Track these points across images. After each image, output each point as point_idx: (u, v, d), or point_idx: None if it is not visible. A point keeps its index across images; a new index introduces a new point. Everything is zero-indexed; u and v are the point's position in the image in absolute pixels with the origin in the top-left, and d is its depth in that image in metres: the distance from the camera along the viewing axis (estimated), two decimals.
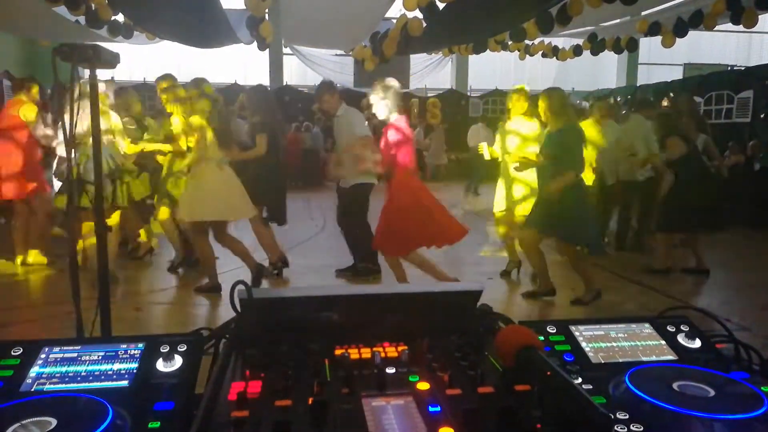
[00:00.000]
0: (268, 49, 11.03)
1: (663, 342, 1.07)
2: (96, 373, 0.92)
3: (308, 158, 13.69)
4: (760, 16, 8.97)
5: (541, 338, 1.02)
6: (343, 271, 5.35)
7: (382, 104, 4.50)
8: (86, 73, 2.03)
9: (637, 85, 15.57)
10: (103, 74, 2.06)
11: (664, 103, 7.40)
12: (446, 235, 4.42)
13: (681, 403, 0.80)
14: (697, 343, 1.07)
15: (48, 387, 0.89)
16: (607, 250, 6.03)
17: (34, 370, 0.92)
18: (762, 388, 0.87)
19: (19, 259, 5.57)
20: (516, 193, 5.08)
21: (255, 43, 10.22)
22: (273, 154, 5.03)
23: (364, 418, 0.77)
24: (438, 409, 0.79)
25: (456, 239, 4.45)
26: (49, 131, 5.27)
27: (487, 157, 5.43)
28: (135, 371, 0.93)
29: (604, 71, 16.89)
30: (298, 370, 0.90)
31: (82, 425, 0.77)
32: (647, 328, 1.11)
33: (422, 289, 1.11)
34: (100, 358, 0.96)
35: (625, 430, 0.78)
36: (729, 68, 14.70)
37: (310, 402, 0.79)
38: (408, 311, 1.06)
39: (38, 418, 0.76)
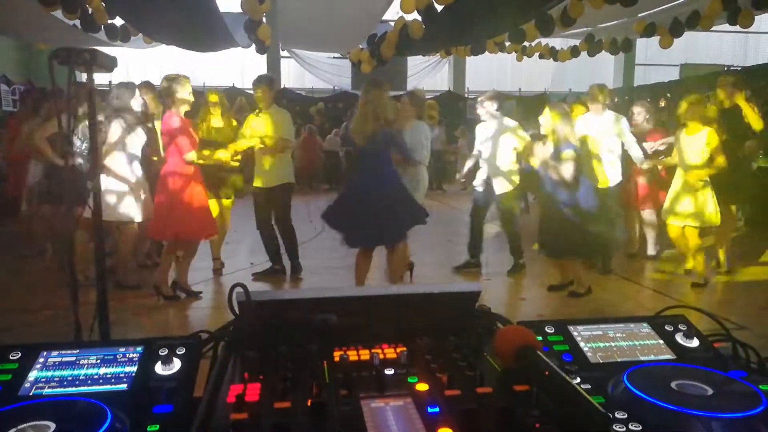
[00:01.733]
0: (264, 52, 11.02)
1: (661, 341, 1.08)
2: (94, 376, 0.92)
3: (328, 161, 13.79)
4: (756, 16, 9.00)
5: (540, 338, 1.02)
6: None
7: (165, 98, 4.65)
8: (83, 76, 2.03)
9: (634, 85, 15.62)
10: (100, 78, 2.06)
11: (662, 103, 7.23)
12: (190, 231, 4.59)
13: (679, 402, 0.81)
14: (695, 342, 1.07)
15: (46, 391, 0.89)
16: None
17: (32, 374, 0.92)
18: (760, 386, 0.87)
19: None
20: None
21: (252, 47, 10.21)
22: None
23: (363, 419, 0.77)
24: (437, 410, 0.80)
25: (201, 236, 4.74)
26: None
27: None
28: (133, 374, 0.93)
29: (601, 72, 16.90)
30: (297, 372, 0.90)
31: (80, 429, 0.77)
32: (645, 328, 1.11)
33: (420, 290, 1.11)
34: (98, 361, 0.96)
35: (624, 429, 0.78)
36: (725, 68, 14.73)
37: (309, 404, 0.79)
38: (406, 312, 1.07)
39: (37, 422, 0.76)
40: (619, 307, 4.66)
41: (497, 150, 5.38)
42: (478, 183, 5.59)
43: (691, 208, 4.95)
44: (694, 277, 5.13)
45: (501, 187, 5.39)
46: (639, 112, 6.02)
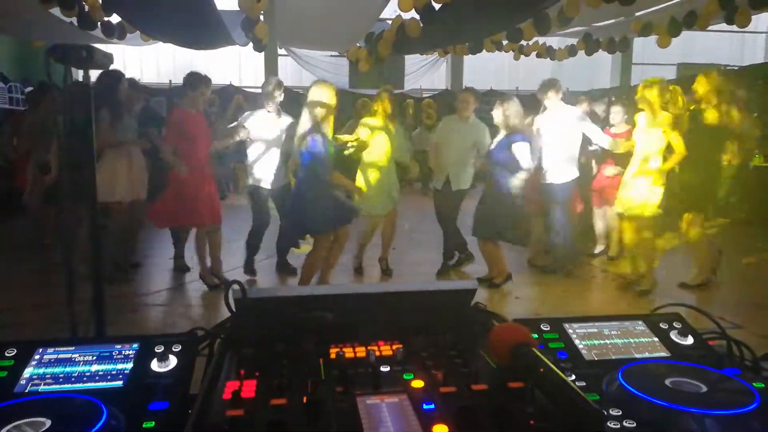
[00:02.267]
0: (262, 50, 11.01)
1: (656, 339, 1.08)
2: (90, 373, 0.92)
3: None
4: (753, 16, 9.01)
5: (535, 336, 1.03)
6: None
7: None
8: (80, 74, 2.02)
9: (632, 84, 15.61)
10: (95, 75, 2.05)
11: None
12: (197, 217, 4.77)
13: (673, 399, 0.81)
14: (689, 340, 1.07)
15: (42, 388, 0.89)
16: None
17: (28, 371, 0.92)
18: (754, 384, 0.88)
19: None
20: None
21: (250, 45, 10.20)
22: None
23: (359, 416, 0.78)
24: (432, 406, 0.80)
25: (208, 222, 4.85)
26: None
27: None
28: (129, 371, 0.93)
29: (599, 71, 16.92)
30: (293, 369, 0.90)
31: (76, 426, 0.77)
32: (640, 326, 1.12)
33: (416, 288, 1.11)
34: (94, 358, 0.96)
35: (618, 426, 0.78)
36: (722, 68, 14.75)
37: (304, 401, 0.79)
38: (402, 309, 1.07)
39: (32, 419, 0.76)
40: (614, 305, 4.67)
41: (457, 147, 5.28)
42: (436, 181, 5.50)
43: (636, 195, 4.70)
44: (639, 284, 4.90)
45: (459, 184, 5.34)
46: (617, 112, 5.75)
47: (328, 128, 4.27)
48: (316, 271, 4.46)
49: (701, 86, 4.77)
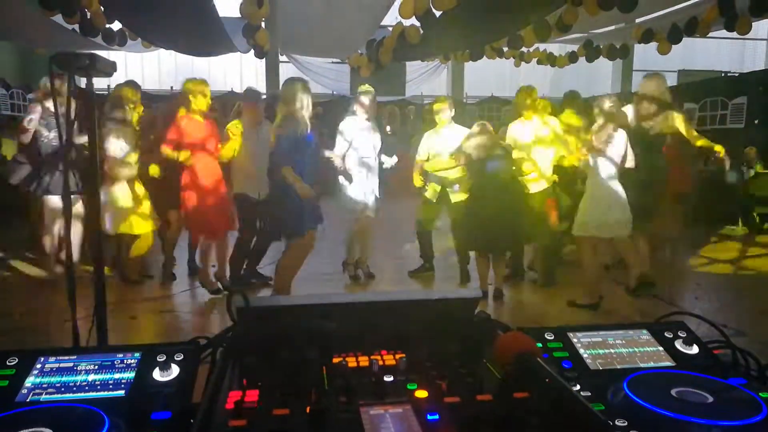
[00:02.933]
0: (263, 57, 11.04)
1: (661, 348, 1.07)
2: (92, 382, 0.92)
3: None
4: (753, 23, 9.03)
5: (540, 345, 1.02)
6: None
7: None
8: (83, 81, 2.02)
9: (632, 91, 15.64)
10: (99, 82, 2.05)
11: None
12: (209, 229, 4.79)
13: (679, 410, 0.80)
14: (694, 349, 1.07)
15: (44, 397, 0.88)
16: None
17: (29, 381, 0.92)
18: (760, 394, 0.87)
19: None
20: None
21: (251, 51, 10.23)
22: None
23: (363, 426, 0.77)
24: (436, 417, 0.79)
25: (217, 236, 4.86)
26: None
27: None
28: (131, 381, 0.92)
29: (599, 78, 16.95)
30: (296, 378, 0.89)
31: None
32: (645, 335, 1.11)
33: (420, 297, 1.11)
34: (96, 367, 0.95)
35: None
36: (723, 74, 14.78)
37: (307, 411, 0.79)
38: (406, 319, 1.06)
39: (34, 429, 0.76)
40: (618, 314, 4.65)
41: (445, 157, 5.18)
42: (429, 192, 5.38)
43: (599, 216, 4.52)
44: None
45: (455, 195, 5.26)
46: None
47: (305, 127, 4.16)
48: (292, 275, 4.39)
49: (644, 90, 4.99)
